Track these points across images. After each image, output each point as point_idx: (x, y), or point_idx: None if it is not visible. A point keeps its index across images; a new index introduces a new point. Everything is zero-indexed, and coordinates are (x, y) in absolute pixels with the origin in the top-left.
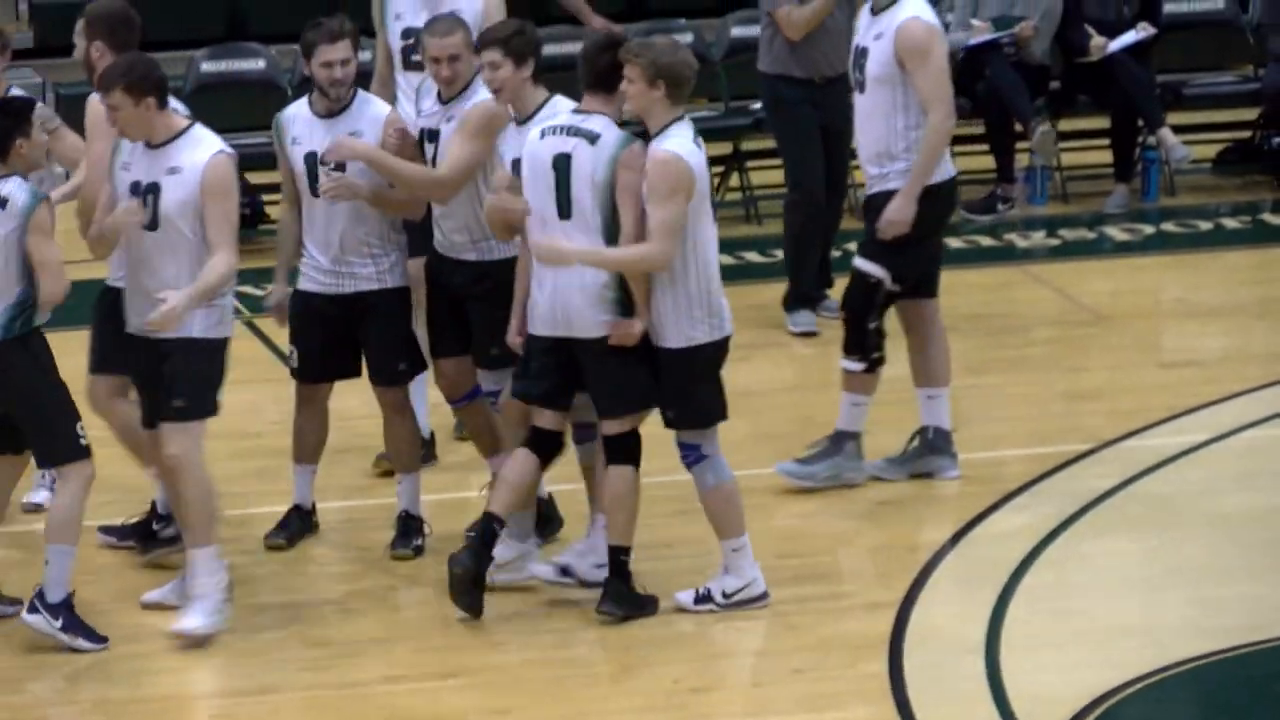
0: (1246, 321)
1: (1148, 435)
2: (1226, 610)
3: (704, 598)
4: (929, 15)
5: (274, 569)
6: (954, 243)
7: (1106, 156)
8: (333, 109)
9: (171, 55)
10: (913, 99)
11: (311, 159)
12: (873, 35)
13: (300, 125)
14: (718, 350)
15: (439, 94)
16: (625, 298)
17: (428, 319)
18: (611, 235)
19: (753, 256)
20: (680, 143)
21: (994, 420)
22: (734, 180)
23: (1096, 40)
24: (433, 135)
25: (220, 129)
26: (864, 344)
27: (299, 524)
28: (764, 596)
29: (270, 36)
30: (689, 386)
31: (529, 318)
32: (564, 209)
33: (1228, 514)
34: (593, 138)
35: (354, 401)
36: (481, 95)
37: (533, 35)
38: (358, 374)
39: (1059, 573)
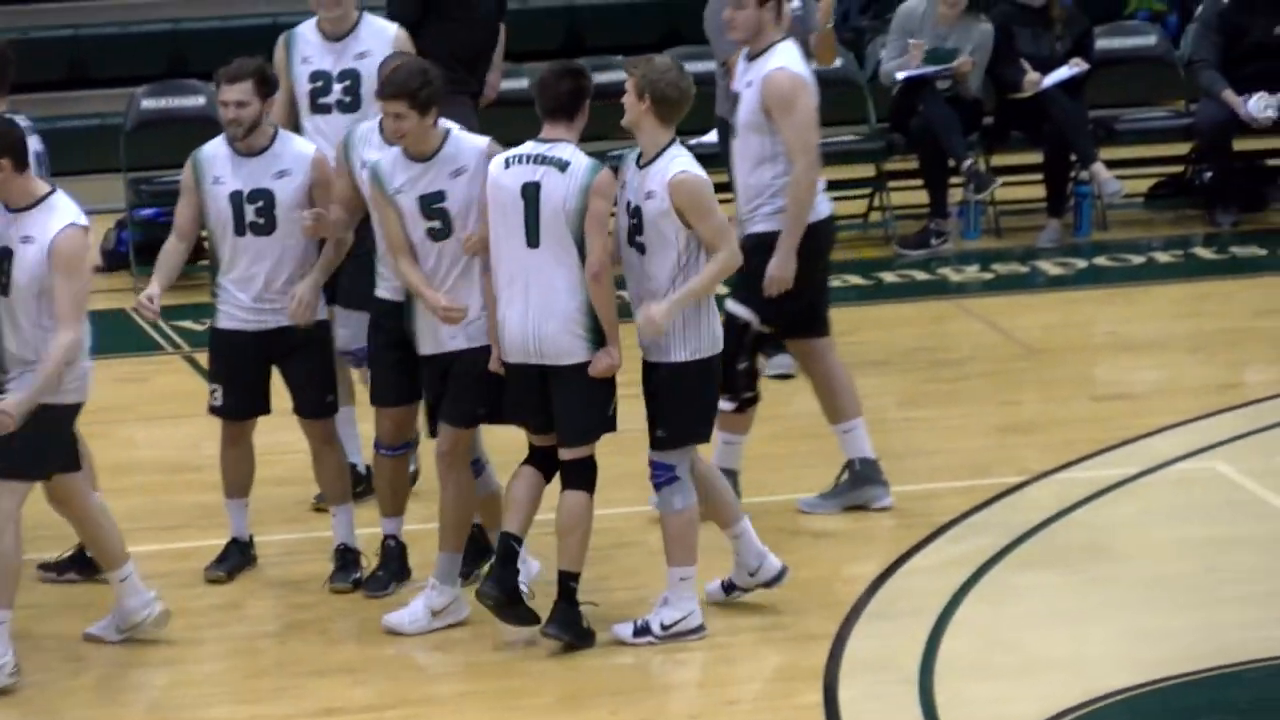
0: (1178, 355)
1: (1080, 468)
2: (1157, 642)
3: (642, 630)
4: (797, 66)
5: (213, 601)
6: (888, 277)
7: (1039, 191)
8: (253, 147)
9: (112, 93)
10: (780, 148)
11: (237, 197)
12: (745, 82)
13: (221, 164)
14: (712, 365)
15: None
16: (596, 325)
17: (372, 365)
18: (582, 261)
19: None
20: (686, 162)
21: (928, 453)
22: None
23: (1030, 76)
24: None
25: (161, 165)
26: (734, 384)
27: (238, 557)
28: (700, 629)
29: (211, 74)
30: (687, 402)
31: (500, 343)
32: (533, 238)
33: (1159, 546)
34: (562, 165)
35: (295, 435)
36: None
37: (438, 82)
38: (269, 410)
39: (992, 604)
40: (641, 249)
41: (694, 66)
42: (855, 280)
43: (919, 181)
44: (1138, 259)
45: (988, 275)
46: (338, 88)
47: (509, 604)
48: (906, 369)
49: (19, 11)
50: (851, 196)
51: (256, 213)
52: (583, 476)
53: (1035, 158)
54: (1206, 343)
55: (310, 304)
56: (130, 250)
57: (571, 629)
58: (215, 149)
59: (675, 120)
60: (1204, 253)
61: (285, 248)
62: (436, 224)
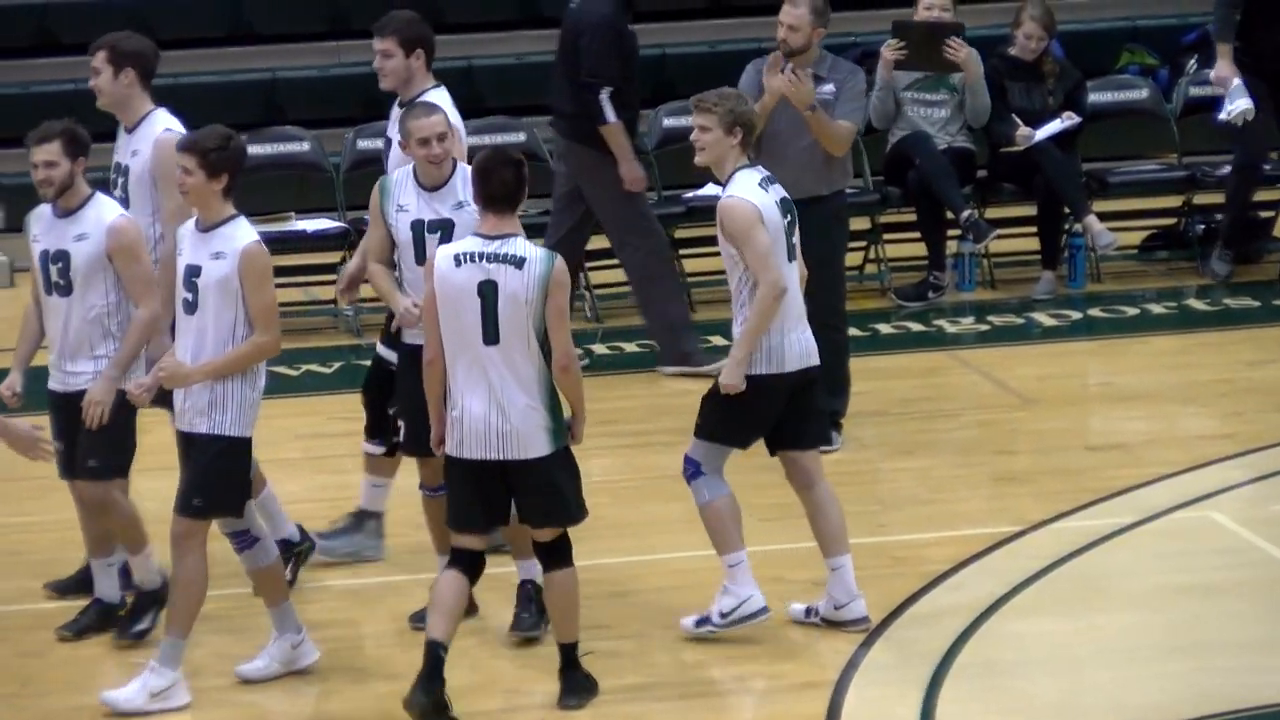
0: (1171, 405)
1: (1075, 517)
2: (1150, 688)
3: (703, 620)
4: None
5: (218, 650)
6: (884, 328)
7: (1034, 243)
8: (66, 208)
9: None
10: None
11: (44, 257)
12: None
13: (40, 224)
14: (769, 385)
15: (422, 181)
16: (557, 417)
17: (406, 411)
18: (545, 354)
19: None
20: (743, 187)
21: (924, 503)
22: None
23: (1022, 130)
24: (440, 225)
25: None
26: (382, 430)
27: (96, 619)
28: (762, 612)
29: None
30: (727, 407)
31: (450, 440)
32: (491, 335)
33: (1154, 594)
34: (519, 262)
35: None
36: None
37: (235, 151)
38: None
39: (990, 652)
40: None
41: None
42: (852, 331)
43: (914, 234)
44: (1131, 310)
45: (983, 327)
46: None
47: (435, 713)
48: (903, 419)
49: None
50: (849, 248)
51: (58, 273)
52: (563, 553)
53: (1029, 210)
54: (1200, 393)
55: (100, 403)
56: None
57: (586, 691)
58: (41, 209)
59: (751, 145)
60: (1197, 304)
61: (87, 313)
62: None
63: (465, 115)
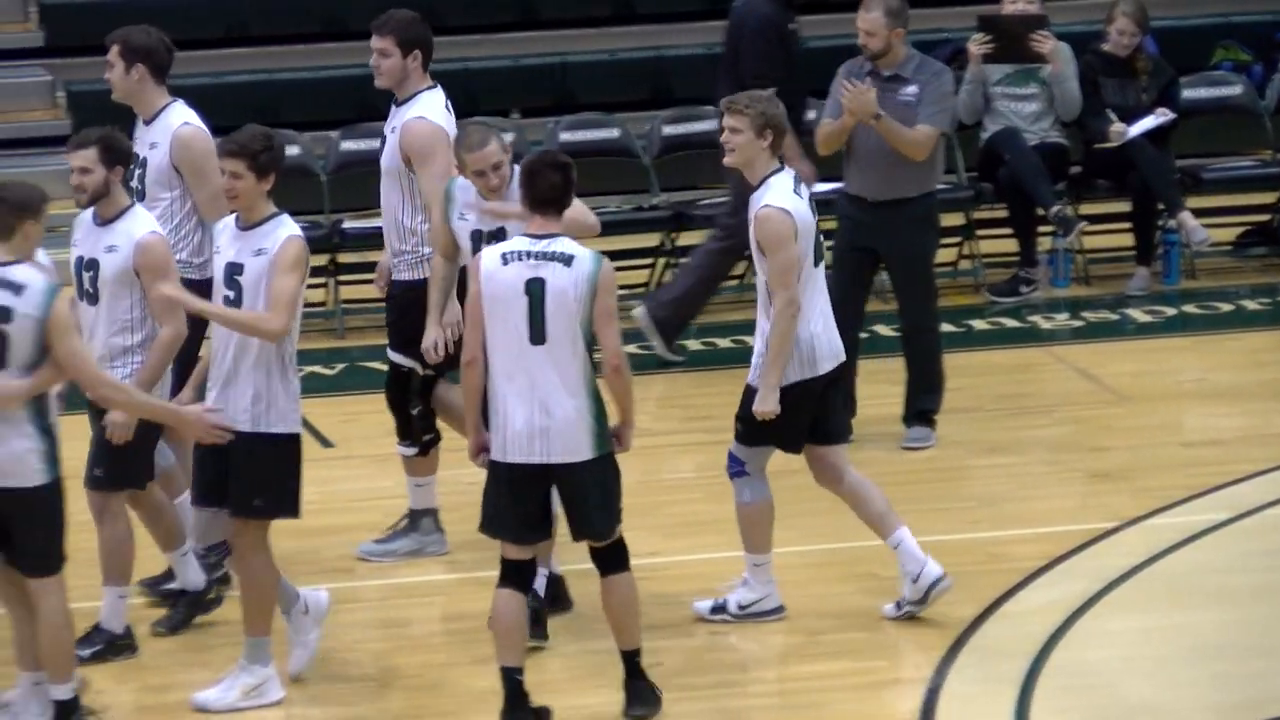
0: (1266, 402)
1: (1170, 514)
2: (1246, 686)
3: (719, 608)
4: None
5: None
6: (979, 324)
7: (1128, 239)
8: (104, 217)
9: None
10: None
11: (79, 263)
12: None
13: (80, 229)
14: (806, 388)
15: (481, 194)
16: (602, 421)
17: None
18: (589, 354)
19: None
20: (776, 194)
21: (1018, 499)
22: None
23: (1115, 126)
24: (496, 235)
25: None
26: (411, 431)
27: (186, 610)
28: (778, 610)
29: (302, 124)
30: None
31: (493, 444)
32: (537, 335)
33: (1245, 591)
34: (566, 259)
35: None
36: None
37: (279, 151)
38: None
39: (1084, 650)
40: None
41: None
42: (946, 327)
43: (1008, 230)
44: (1226, 306)
45: (1077, 323)
46: None
47: None
48: (996, 415)
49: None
50: (941, 244)
51: (89, 281)
52: (620, 558)
53: (1123, 206)
54: None
55: (122, 425)
56: None
57: (652, 701)
58: (88, 213)
59: (781, 148)
60: None
61: (106, 322)
62: None
63: (559, 110)
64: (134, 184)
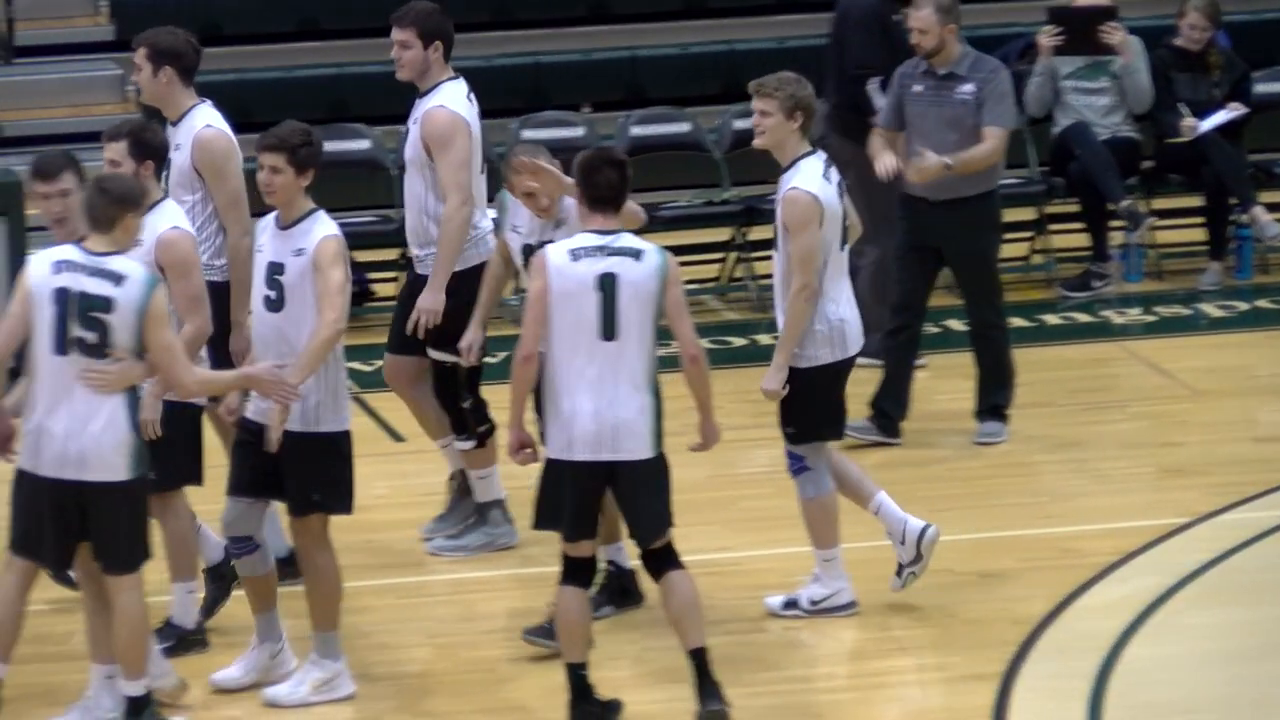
0: None
1: (1243, 509)
2: None
3: (791, 604)
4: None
5: (377, 641)
6: (1051, 319)
7: (1200, 234)
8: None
9: None
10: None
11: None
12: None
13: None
14: (839, 370)
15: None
16: (659, 419)
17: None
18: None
19: None
20: (806, 177)
21: (1090, 494)
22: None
23: (1187, 121)
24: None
25: (325, 209)
26: (465, 424)
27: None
28: (850, 606)
29: (374, 118)
30: (809, 403)
31: (554, 442)
32: (609, 330)
33: None
34: (636, 254)
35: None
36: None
37: (318, 146)
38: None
39: (1156, 645)
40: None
41: None
42: (1018, 322)
43: (1080, 225)
44: None
45: (1150, 318)
46: None
47: None
48: (1069, 411)
49: None
50: (1013, 239)
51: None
52: (675, 555)
53: (1195, 201)
54: None
55: (148, 420)
56: None
57: (723, 700)
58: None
59: (810, 130)
60: None
61: None
62: None
63: (628, 105)
64: (162, 185)
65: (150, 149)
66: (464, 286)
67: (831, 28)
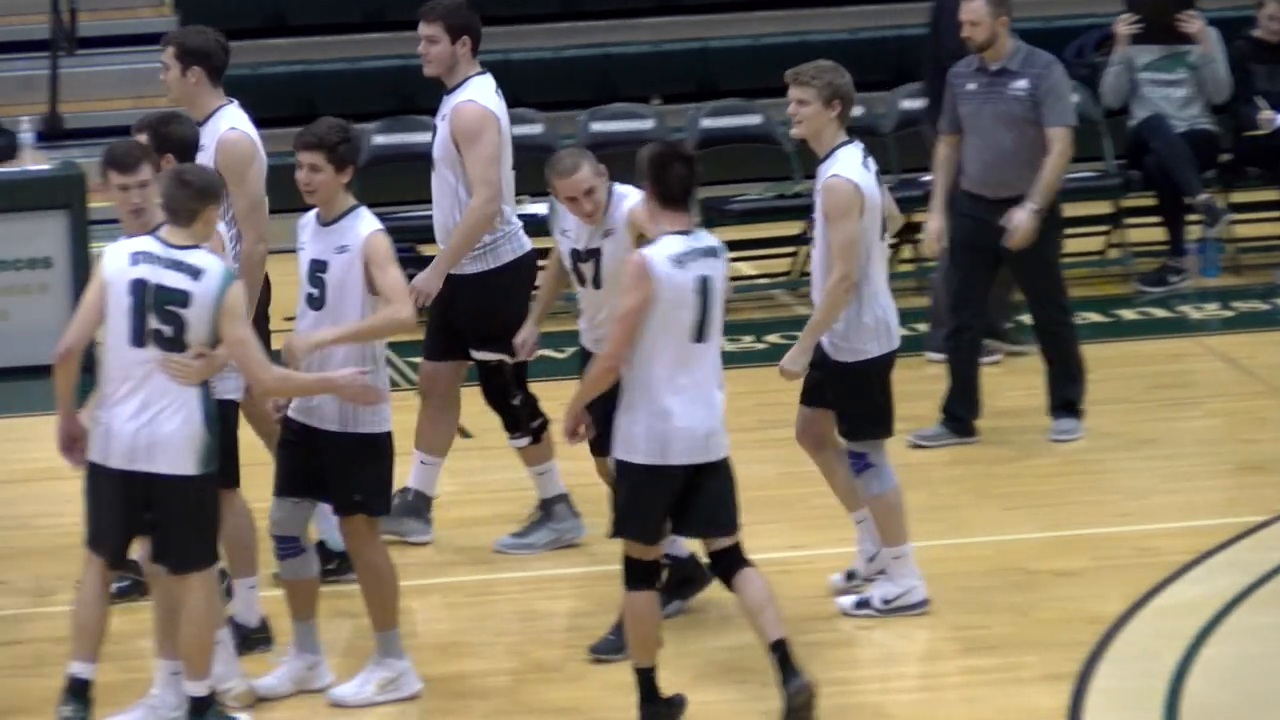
0: None
1: None
2: None
3: (863, 604)
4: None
5: (431, 640)
6: (1127, 314)
7: (1278, 229)
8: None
9: None
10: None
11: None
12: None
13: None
14: (888, 363)
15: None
16: None
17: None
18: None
19: None
20: (846, 165)
21: (1168, 492)
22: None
23: (1264, 114)
24: (590, 254)
25: (392, 202)
26: (518, 421)
27: None
28: (923, 604)
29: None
30: (860, 399)
31: (640, 446)
32: (700, 332)
33: None
34: (715, 251)
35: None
36: (629, 202)
37: (356, 143)
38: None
39: (1234, 645)
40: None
41: None
42: (1094, 317)
43: (1157, 218)
44: None
45: (1228, 313)
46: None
47: None
48: (1146, 407)
49: (250, 47)
50: (1089, 234)
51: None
52: (743, 551)
53: (1273, 195)
54: None
55: None
56: None
57: (811, 690)
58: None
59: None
60: None
61: None
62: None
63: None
64: None
65: (170, 142)
66: (500, 282)
67: (929, 18)
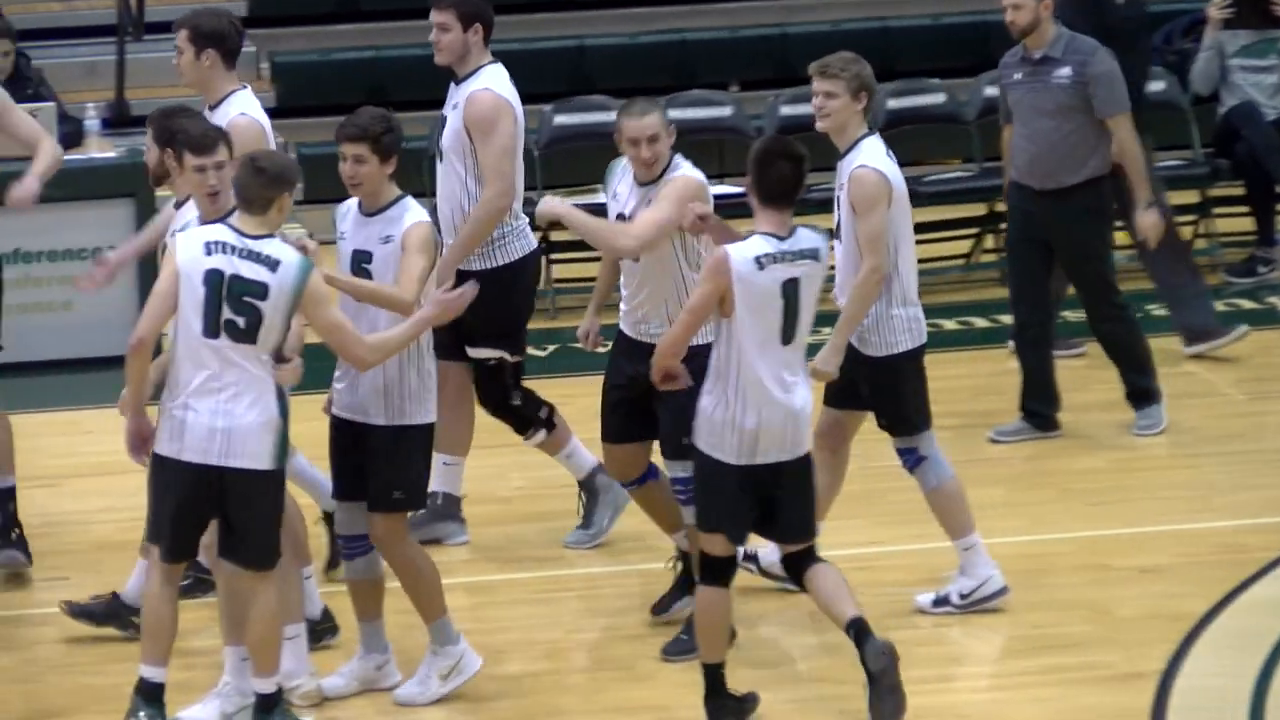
0: None
1: None
2: None
3: (942, 600)
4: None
5: (513, 638)
6: (1219, 306)
7: None
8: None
9: (417, 115)
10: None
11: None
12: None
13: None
14: (918, 356)
15: (636, 176)
16: None
17: (603, 401)
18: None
19: None
20: (872, 155)
21: (1254, 488)
22: (988, 241)
23: None
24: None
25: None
26: (525, 417)
27: None
28: (1002, 592)
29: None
30: (896, 393)
31: (726, 444)
32: (789, 335)
33: None
34: (815, 254)
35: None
36: (682, 171)
37: (399, 132)
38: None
39: None
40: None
41: None
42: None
43: (1246, 208)
44: None
45: None
46: None
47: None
48: (1233, 400)
49: (321, 33)
50: (1177, 223)
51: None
52: (816, 551)
53: None
54: None
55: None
56: None
57: (891, 653)
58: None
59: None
60: None
61: None
62: None
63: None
64: None
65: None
66: (508, 279)
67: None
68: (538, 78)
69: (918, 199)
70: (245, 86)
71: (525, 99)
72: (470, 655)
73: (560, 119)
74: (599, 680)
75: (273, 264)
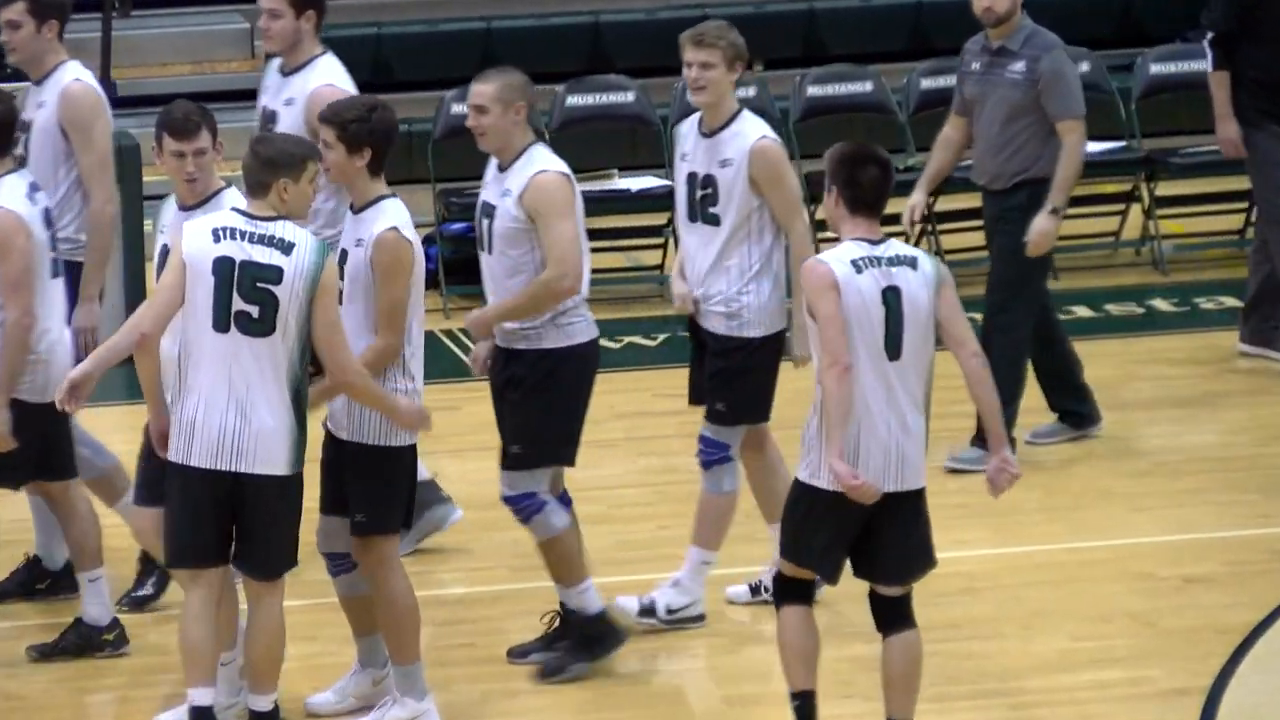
0: None
1: None
2: None
3: (648, 610)
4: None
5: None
6: None
7: None
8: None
9: (419, 96)
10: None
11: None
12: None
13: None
14: (774, 345)
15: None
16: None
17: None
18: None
19: None
20: (763, 127)
21: None
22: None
23: None
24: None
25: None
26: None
27: None
28: (700, 619)
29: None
30: (749, 378)
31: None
32: (894, 349)
33: None
34: (913, 262)
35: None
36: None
37: (379, 124)
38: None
39: None
40: (715, 220)
41: None
42: (1230, 302)
43: None
44: None
45: None
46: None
47: None
48: None
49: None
50: (1226, 210)
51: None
52: (912, 609)
53: None
54: None
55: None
56: (440, 268)
57: None
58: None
59: None
60: None
61: None
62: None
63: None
64: (18, 150)
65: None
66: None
67: None
68: (552, 56)
69: None
70: (74, 60)
71: (539, 79)
72: (432, 716)
73: (573, 99)
74: (650, 691)
75: (286, 246)
